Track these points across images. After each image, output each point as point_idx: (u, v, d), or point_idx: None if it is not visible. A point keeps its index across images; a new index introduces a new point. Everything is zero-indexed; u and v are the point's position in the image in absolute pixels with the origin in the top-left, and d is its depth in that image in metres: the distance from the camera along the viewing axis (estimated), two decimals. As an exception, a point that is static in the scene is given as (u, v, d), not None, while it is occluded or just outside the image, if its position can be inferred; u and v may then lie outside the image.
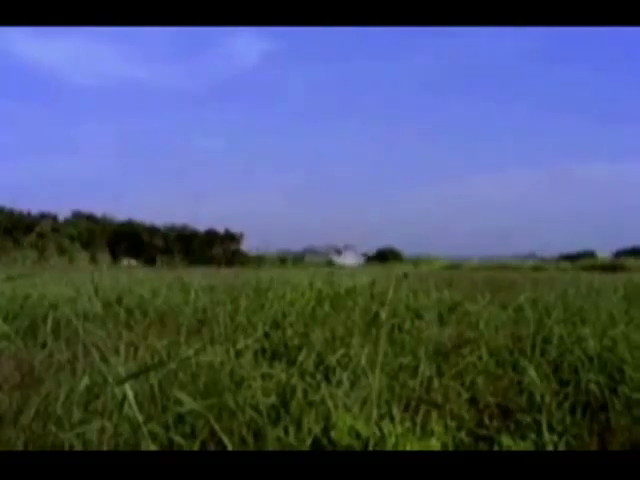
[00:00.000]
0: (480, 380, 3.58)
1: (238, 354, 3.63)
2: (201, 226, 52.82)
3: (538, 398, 3.32)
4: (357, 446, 2.46)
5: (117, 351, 3.31)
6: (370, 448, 2.44)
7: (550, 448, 2.69)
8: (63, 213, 49.94)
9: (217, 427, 2.43)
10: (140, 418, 2.41)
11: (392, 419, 2.65)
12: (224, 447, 2.42)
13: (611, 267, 32.00)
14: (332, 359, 3.61)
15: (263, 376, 3.19)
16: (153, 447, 2.37)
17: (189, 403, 2.55)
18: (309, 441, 2.51)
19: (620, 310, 5.59)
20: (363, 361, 3.37)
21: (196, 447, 2.45)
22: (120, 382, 2.50)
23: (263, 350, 4.19)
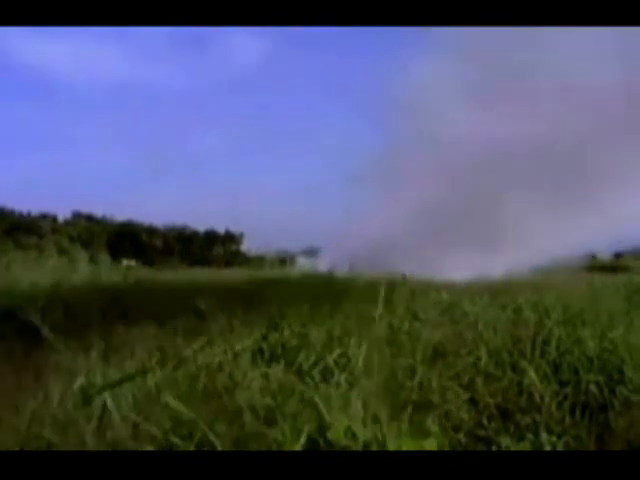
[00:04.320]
0: (479, 381, 3.57)
1: (236, 355, 3.62)
2: (201, 226, 52.65)
3: (538, 399, 3.31)
4: (354, 447, 2.45)
5: (118, 351, 3.31)
6: (367, 449, 2.43)
7: (549, 449, 2.69)
8: (63, 213, 49.84)
9: (211, 433, 2.38)
10: (137, 419, 2.40)
11: (390, 420, 2.65)
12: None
13: (611, 268, 31.88)
14: (330, 360, 3.61)
15: (261, 377, 3.19)
16: (150, 448, 2.36)
17: (186, 414, 2.49)
18: (306, 442, 2.50)
19: (620, 311, 5.58)
20: (360, 362, 3.37)
21: (192, 448, 2.44)
22: (115, 384, 2.49)
23: (261, 351, 4.18)
